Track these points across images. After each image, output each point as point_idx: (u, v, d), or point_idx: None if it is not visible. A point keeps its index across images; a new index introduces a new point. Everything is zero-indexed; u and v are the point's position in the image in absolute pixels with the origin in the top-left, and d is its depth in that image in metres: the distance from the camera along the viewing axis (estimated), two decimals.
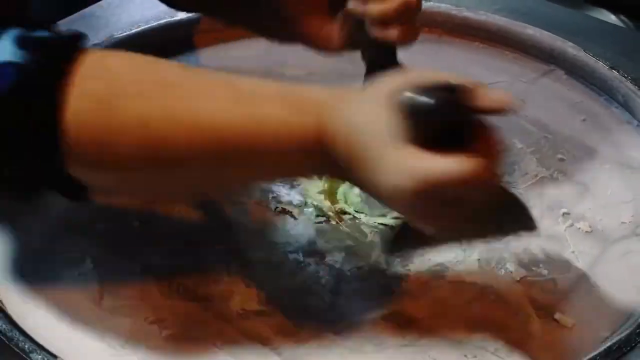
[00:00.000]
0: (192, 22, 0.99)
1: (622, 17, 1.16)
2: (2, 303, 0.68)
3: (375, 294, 0.70)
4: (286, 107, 0.59)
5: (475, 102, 0.55)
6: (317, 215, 0.77)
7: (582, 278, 0.72)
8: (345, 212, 0.78)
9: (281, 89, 0.61)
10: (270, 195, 0.79)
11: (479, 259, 0.73)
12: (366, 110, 0.57)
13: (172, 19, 0.99)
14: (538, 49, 0.96)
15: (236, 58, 0.97)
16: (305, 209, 0.78)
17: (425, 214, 0.58)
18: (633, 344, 0.64)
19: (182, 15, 0.99)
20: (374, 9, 0.68)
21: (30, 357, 0.63)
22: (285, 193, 0.79)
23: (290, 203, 0.79)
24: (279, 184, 0.80)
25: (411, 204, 0.56)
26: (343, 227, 0.76)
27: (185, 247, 0.74)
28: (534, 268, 0.72)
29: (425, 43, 0.98)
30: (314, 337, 0.67)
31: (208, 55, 0.98)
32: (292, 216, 0.77)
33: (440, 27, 1.01)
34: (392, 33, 0.68)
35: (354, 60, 0.96)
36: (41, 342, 0.65)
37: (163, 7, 0.98)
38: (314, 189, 0.79)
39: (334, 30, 0.73)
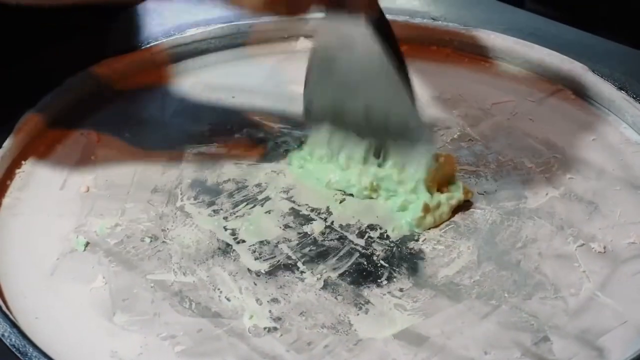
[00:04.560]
0: (201, 39, 1.00)
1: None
2: (15, 319, 0.68)
3: (387, 311, 0.70)
4: None
5: None
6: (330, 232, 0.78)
7: (593, 298, 0.72)
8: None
9: None
10: (282, 212, 0.80)
11: (490, 277, 0.73)
12: None
13: (182, 35, 0.99)
14: (546, 69, 0.97)
15: (246, 74, 0.98)
16: (315, 226, 0.78)
17: None
18: None
19: (192, 32, 0.99)
20: None
21: None
22: (300, 210, 0.80)
23: (302, 219, 0.79)
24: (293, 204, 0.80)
25: None
26: (354, 244, 0.76)
27: (196, 264, 0.74)
28: (545, 287, 0.72)
29: (433, 61, 0.99)
30: (327, 354, 0.67)
31: (219, 71, 0.98)
32: (305, 233, 0.78)
33: (448, 45, 1.01)
34: None
35: None
36: (54, 357, 0.65)
37: (172, 23, 0.99)
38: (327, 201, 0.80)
39: None
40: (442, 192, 0.80)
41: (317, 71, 0.81)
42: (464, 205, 0.80)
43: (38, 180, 0.83)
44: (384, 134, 0.81)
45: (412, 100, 0.79)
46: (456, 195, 0.79)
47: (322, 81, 0.81)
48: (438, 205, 0.78)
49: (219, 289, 0.72)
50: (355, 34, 0.76)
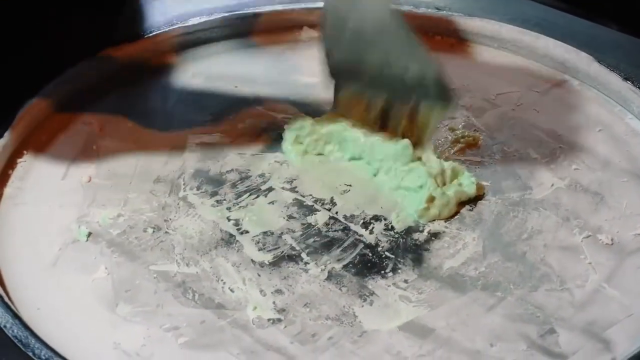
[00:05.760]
0: (204, 28, 0.99)
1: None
2: (17, 310, 0.68)
3: (392, 303, 0.70)
4: None
5: None
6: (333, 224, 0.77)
7: (599, 290, 0.71)
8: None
9: None
10: (286, 203, 0.79)
11: (496, 269, 0.73)
12: None
13: (184, 24, 0.98)
14: (551, 59, 0.96)
15: (249, 64, 0.97)
16: (319, 217, 0.78)
17: None
18: None
19: (194, 21, 0.98)
20: None
21: None
22: (301, 202, 0.80)
23: (306, 210, 0.79)
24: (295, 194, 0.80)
25: None
26: (359, 235, 0.76)
27: (199, 255, 0.74)
28: (550, 279, 0.72)
29: (437, 51, 0.98)
30: (331, 346, 0.67)
31: (222, 60, 0.98)
32: (308, 224, 0.77)
33: (453, 35, 1.01)
34: None
35: None
36: (57, 348, 0.64)
37: (175, 12, 0.99)
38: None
39: None
40: (447, 183, 0.79)
41: (331, 31, 0.81)
42: None
43: (40, 170, 0.82)
44: (402, 88, 0.80)
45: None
46: (466, 190, 0.79)
47: (338, 40, 0.81)
48: (445, 199, 0.77)
49: (222, 280, 0.72)
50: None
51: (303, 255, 0.74)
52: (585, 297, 0.71)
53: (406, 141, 0.80)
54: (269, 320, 0.68)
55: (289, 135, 0.84)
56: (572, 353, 0.66)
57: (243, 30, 1.00)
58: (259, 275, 0.72)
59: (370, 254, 0.74)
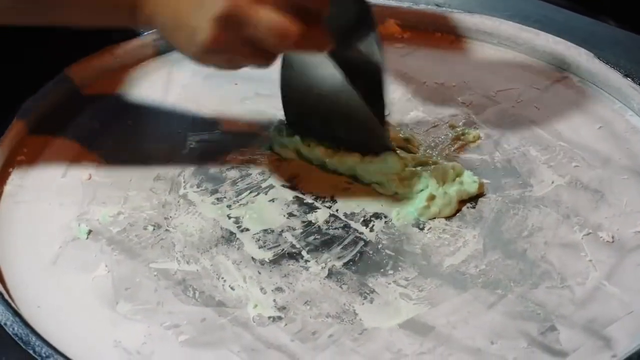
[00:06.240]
0: None
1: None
2: (17, 308, 0.68)
3: (393, 300, 0.70)
4: None
5: None
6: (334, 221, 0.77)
7: (600, 287, 0.71)
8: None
9: None
10: (286, 201, 0.79)
11: (496, 267, 0.73)
12: None
13: None
14: (551, 56, 0.96)
15: None
16: (320, 215, 0.78)
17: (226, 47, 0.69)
18: None
19: None
20: None
21: None
22: (302, 199, 0.80)
23: (306, 208, 0.79)
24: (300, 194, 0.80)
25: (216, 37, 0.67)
26: (359, 233, 0.76)
27: (199, 253, 0.74)
28: (551, 276, 0.72)
29: (437, 48, 0.99)
30: (331, 344, 0.67)
31: None
32: (309, 222, 0.77)
33: (453, 32, 1.01)
34: None
35: None
36: (57, 346, 0.64)
37: None
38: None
39: None
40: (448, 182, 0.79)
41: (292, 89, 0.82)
42: None
43: (40, 168, 0.82)
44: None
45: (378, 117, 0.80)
46: (468, 189, 0.78)
47: (297, 99, 0.83)
48: (447, 199, 0.77)
49: (222, 278, 0.72)
50: (320, 68, 0.78)
51: (303, 253, 0.74)
52: (585, 295, 0.71)
53: (391, 153, 0.80)
54: (269, 318, 0.69)
55: (276, 141, 0.85)
56: (573, 350, 0.66)
57: None
58: (260, 273, 0.72)
59: (370, 252, 0.74)
